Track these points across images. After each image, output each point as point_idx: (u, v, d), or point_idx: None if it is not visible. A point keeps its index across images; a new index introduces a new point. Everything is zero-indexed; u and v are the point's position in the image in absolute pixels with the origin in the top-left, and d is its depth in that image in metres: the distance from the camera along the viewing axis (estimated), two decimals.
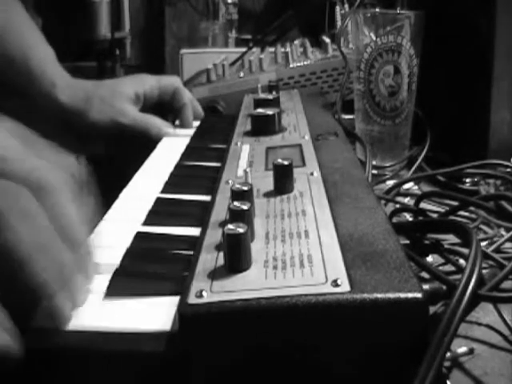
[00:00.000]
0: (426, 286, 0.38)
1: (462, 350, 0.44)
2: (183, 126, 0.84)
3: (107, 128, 0.81)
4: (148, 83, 0.85)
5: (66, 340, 0.35)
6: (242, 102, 0.84)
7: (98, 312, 0.37)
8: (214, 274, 0.37)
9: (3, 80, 0.81)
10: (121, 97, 0.82)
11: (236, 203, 0.41)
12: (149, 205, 0.52)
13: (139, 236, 0.47)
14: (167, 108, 0.86)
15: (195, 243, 0.42)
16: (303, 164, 0.54)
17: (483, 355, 0.45)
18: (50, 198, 0.35)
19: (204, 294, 0.35)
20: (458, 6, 0.82)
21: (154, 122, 0.82)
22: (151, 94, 0.85)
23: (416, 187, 0.78)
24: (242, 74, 1.02)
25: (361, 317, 0.33)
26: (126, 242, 0.46)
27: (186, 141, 0.73)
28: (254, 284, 0.35)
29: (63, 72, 0.84)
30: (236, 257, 0.37)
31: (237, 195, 0.44)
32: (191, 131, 0.79)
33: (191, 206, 0.53)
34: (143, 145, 0.75)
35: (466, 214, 0.66)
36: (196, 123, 0.84)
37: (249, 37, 1.85)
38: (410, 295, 0.33)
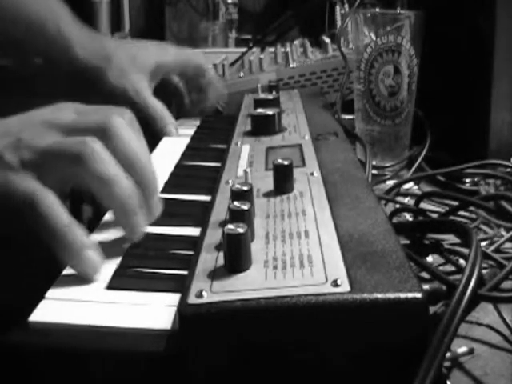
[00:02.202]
0: (426, 286, 0.38)
1: (462, 349, 0.44)
2: (205, 107, 0.81)
3: (120, 96, 0.78)
4: (170, 54, 0.82)
5: (65, 340, 0.35)
6: (242, 102, 0.84)
7: (98, 310, 0.37)
8: (214, 274, 0.37)
9: (24, 44, 0.79)
10: (140, 66, 0.79)
11: (236, 203, 0.41)
12: None
13: None
14: (190, 83, 0.84)
15: (195, 243, 0.42)
16: (303, 164, 0.54)
17: (483, 355, 0.45)
18: (116, 139, 0.44)
19: (204, 294, 0.35)
20: (458, 5, 0.82)
21: (163, 116, 0.78)
22: (172, 67, 0.82)
23: (416, 187, 0.78)
24: (241, 74, 1.02)
25: (361, 317, 0.33)
26: (126, 242, 0.46)
27: (186, 141, 0.73)
28: (253, 284, 0.35)
29: (82, 28, 0.81)
30: (236, 257, 0.37)
31: (237, 195, 0.44)
32: (191, 131, 0.78)
33: (191, 206, 0.53)
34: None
35: (466, 213, 0.66)
36: (196, 122, 0.83)
37: (249, 37, 1.85)
38: (409, 295, 0.33)
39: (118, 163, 0.43)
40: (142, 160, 0.45)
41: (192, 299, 0.34)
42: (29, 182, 0.42)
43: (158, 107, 0.79)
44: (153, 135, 0.74)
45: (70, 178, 0.44)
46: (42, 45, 0.79)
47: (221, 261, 0.38)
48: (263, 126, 0.67)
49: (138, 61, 0.79)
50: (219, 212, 0.46)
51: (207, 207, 0.49)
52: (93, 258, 0.41)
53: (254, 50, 1.19)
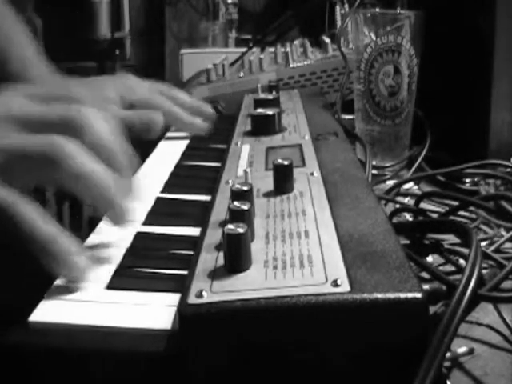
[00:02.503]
0: (426, 286, 0.38)
1: (462, 349, 0.44)
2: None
3: None
4: (133, 87, 0.74)
5: (65, 340, 0.35)
6: (242, 102, 0.84)
7: (98, 310, 0.37)
8: (214, 274, 0.37)
9: None
10: (105, 102, 0.73)
11: (236, 203, 0.41)
12: (149, 205, 0.52)
13: (139, 236, 0.47)
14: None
15: (195, 243, 0.42)
16: (303, 164, 0.54)
17: (483, 355, 0.45)
18: (91, 133, 0.43)
19: (204, 294, 0.35)
20: (458, 5, 0.82)
21: (142, 113, 0.69)
22: (136, 99, 0.73)
23: (416, 187, 0.78)
24: (241, 74, 1.02)
25: (361, 317, 0.33)
26: (126, 242, 0.46)
27: (186, 141, 0.73)
28: (253, 284, 0.35)
29: (47, 70, 0.79)
30: (236, 257, 0.37)
31: (237, 195, 0.44)
32: (184, 142, 0.74)
33: (191, 206, 0.53)
34: (141, 145, 0.73)
35: (466, 213, 0.66)
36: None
37: (249, 37, 1.85)
38: (409, 295, 0.33)
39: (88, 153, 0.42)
40: (114, 149, 0.43)
41: (192, 299, 0.34)
42: (1, 192, 0.39)
43: (136, 112, 0.71)
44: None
45: (42, 178, 0.43)
46: (3, 80, 0.77)
47: (221, 261, 0.38)
48: (263, 126, 0.67)
49: (102, 95, 0.74)
50: (219, 212, 0.46)
51: (207, 207, 0.49)
52: (81, 265, 0.40)
53: (254, 50, 1.19)
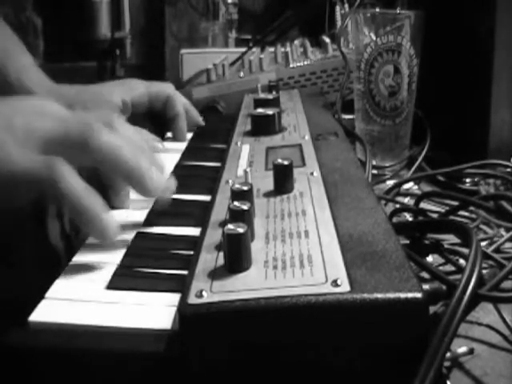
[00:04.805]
0: (426, 286, 0.38)
1: (462, 349, 0.44)
2: (175, 138, 0.77)
3: None
4: (137, 90, 0.79)
5: (65, 340, 0.35)
6: (242, 102, 0.84)
7: (98, 310, 0.37)
8: (214, 274, 0.37)
9: None
10: (106, 106, 0.76)
11: (236, 203, 0.41)
12: (149, 205, 0.52)
13: (139, 236, 0.47)
14: (159, 117, 0.80)
15: (195, 243, 0.42)
16: (303, 164, 0.54)
17: (483, 355, 0.45)
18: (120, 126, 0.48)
19: (204, 293, 0.35)
20: (458, 5, 0.82)
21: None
22: (140, 102, 0.78)
23: (416, 187, 0.78)
24: (242, 74, 1.02)
25: (361, 317, 0.33)
26: (126, 242, 0.46)
27: (176, 157, 0.68)
28: (253, 284, 0.35)
29: (44, 79, 0.80)
30: (236, 257, 0.37)
31: (237, 195, 0.44)
32: (182, 145, 0.73)
33: (191, 206, 0.53)
34: None
35: (466, 213, 0.66)
36: (190, 135, 0.79)
37: (249, 37, 1.85)
38: (409, 295, 0.33)
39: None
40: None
41: (192, 299, 0.34)
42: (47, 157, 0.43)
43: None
44: None
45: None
46: (1, 91, 0.77)
47: (221, 261, 0.38)
48: (263, 126, 0.67)
49: (104, 101, 0.77)
50: (219, 212, 0.46)
51: (207, 207, 0.49)
52: (111, 223, 0.43)
53: (254, 49, 1.19)
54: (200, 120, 0.82)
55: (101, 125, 0.46)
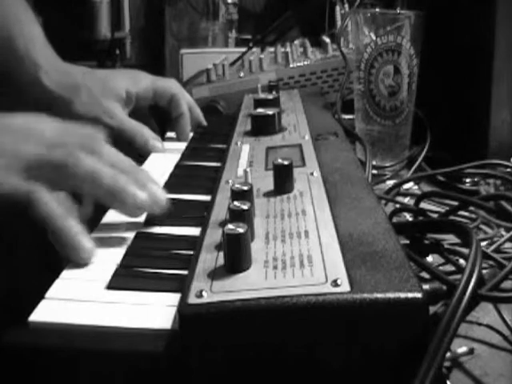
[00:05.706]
0: (426, 286, 0.38)
1: (462, 349, 0.44)
2: (178, 138, 0.77)
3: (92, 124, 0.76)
4: (143, 83, 0.78)
5: (65, 340, 0.35)
6: (242, 102, 0.84)
7: (98, 310, 0.37)
8: (214, 274, 0.37)
9: None
10: (111, 94, 0.75)
11: (236, 203, 0.41)
12: None
13: (139, 236, 0.47)
14: (163, 113, 0.80)
15: (195, 243, 0.42)
16: (303, 164, 0.54)
17: (483, 355, 0.45)
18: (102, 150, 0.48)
19: (204, 293, 0.35)
20: (458, 5, 0.82)
21: (142, 131, 0.73)
22: (145, 96, 0.78)
23: (416, 187, 0.78)
24: (242, 74, 1.02)
25: (361, 317, 0.33)
26: (126, 242, 0.46)
27: (176, 157, 0.68)
28: (253, 284, 0.35)
29: (52, 54, 0.78)
30: (236, 257, 0.37)
31: (237, 195, 0.44)
32: (182, 145, 0.73)
33: (191, 206, 0.53)
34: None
35: (466, 213, 0.66)
36: (190, 135, 0.78)
37: (249, 37, 1.85)
38: (409, 295, 0.33)
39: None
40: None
41: (192, 299, 0.34)
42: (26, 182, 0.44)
43: (136, 125, 0.74)
44: (140, 156, 0.71)
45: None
46: (8, 62, 0.75)
47: (221, 261, 0.38)
48: (263, 126, 0.67)
49: (109, 88, 0.76)
50: (219, 212, 0.46)
51: (207, 207, 0.49)
52: (87, 246, 0.44)
53: (254, 49, 1.19)
54: (203, 120, 0.82)
55: (81, 150, 0.47)
